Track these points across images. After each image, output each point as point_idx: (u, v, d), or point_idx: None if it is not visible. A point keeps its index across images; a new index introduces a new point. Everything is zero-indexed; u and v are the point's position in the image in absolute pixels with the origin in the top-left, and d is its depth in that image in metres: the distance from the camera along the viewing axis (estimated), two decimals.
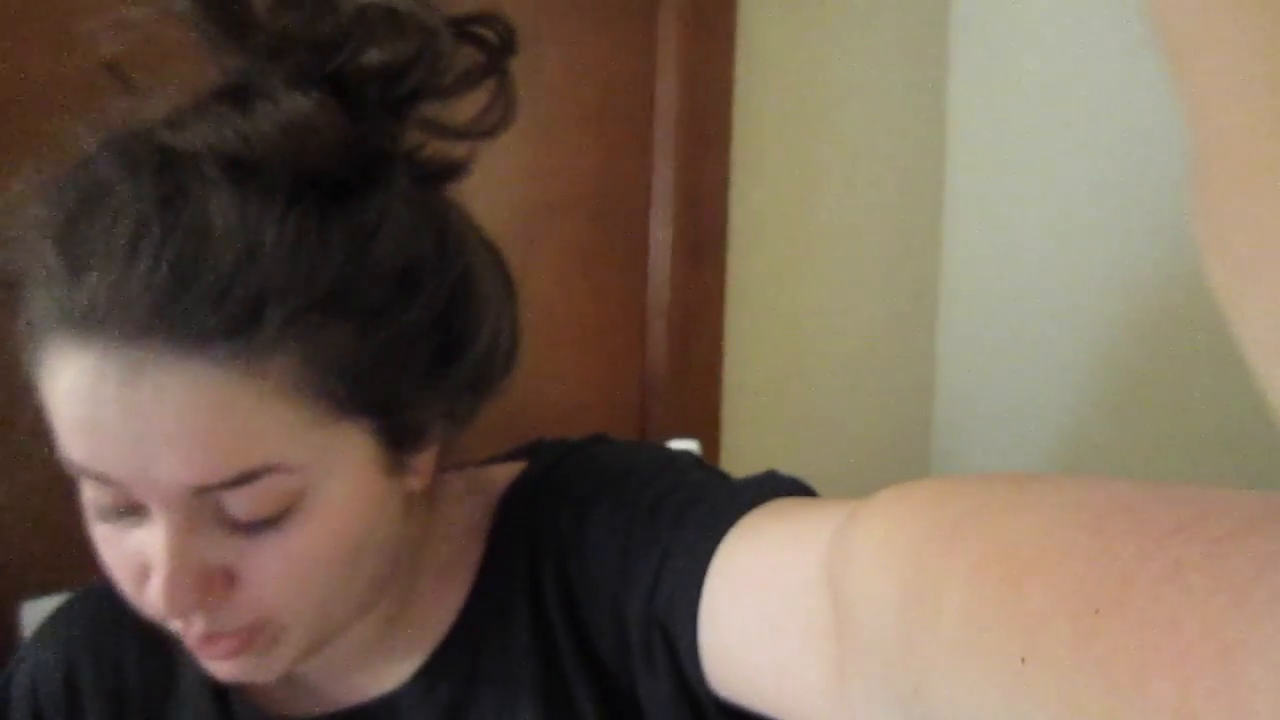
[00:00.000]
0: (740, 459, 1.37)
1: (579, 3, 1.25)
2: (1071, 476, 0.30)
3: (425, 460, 0.50)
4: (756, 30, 1.35)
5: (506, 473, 0.56)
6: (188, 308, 0.40)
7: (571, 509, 0.52)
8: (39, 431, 0.98)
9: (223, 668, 0.47)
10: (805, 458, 1.43)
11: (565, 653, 0.51)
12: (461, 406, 0.50)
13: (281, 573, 0.44)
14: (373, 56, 0.42)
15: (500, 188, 1.18)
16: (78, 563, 0.98)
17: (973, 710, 0.27)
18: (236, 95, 0.42)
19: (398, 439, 0.47)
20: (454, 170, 0.48)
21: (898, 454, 1.51)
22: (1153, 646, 0.22)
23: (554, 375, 1.26)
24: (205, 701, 0.55)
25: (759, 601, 0.40)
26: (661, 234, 1.30)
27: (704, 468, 0.54)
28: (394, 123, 0.45)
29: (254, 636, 0.46)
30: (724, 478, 0.51)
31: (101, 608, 0.58)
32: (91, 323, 0.40)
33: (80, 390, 0.41)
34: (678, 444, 1.21)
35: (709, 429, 1.34)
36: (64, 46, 1.02)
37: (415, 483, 0.50)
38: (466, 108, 0.48)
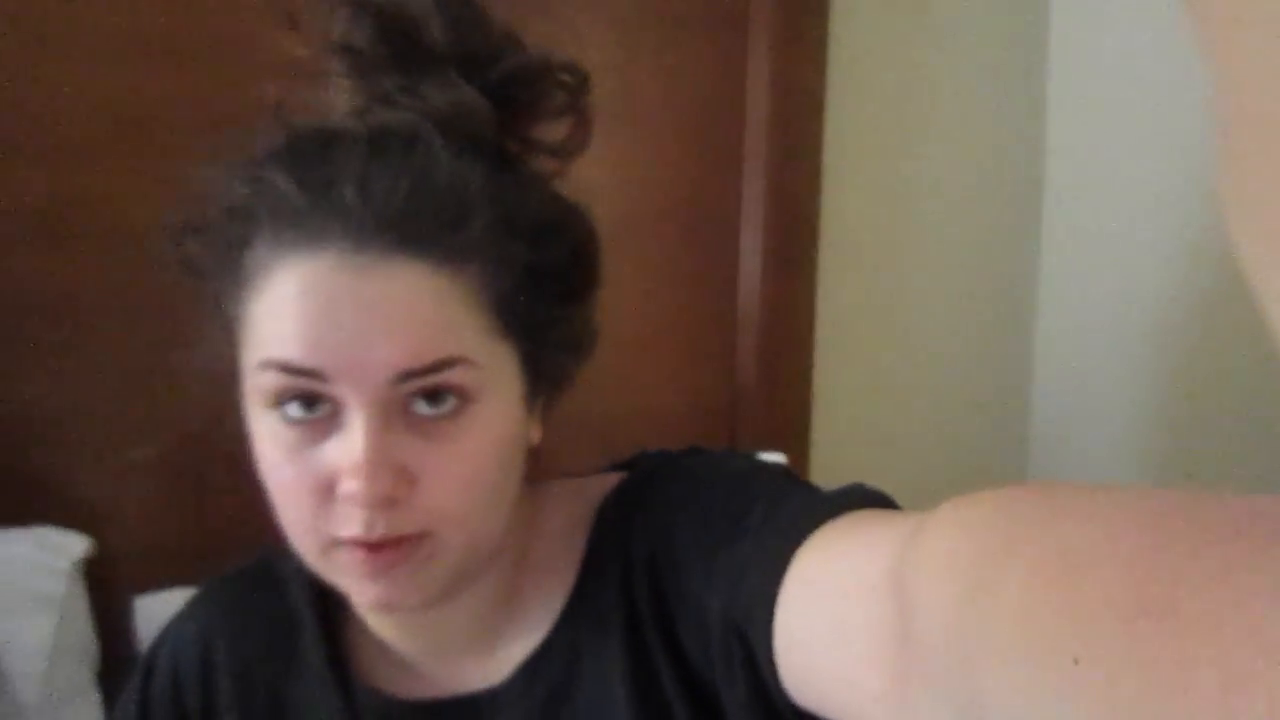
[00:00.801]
0: (830, 471, 1.35)
1: (670, 14, 1.26)
2: (1132, 486, 0.31)
3: (539, 412, 0.58)
4: (848, 38, 1.34)
5: (606, 482, 0.60)
6: (413, 213, 0.50)
7: (663, 517, 0.55)
8: (152, 429, 1.02)
9: (380, 588, 0.52)
10: (895, 469, 1.40)
11: (657, 657, 0.54)
12: (575, 360, 0.58)
13: (453, 472, 0.51)
14: (510, 64, 0.55)
15: (591, 198, 1.19)
16: (188, 560, 1.01)
17: (1026, 712, 0.27)
18: (409, 90, 0.53)
19: (531, 373, 0.55)
20: (553, 176, 0.59)
21: (992, 466, 1.48)
22: (1197, 646, 0.23)
23: (644, 385, 1.27)
24: (326, 682, 0.60)
25: (828, 608, 0.42)
26: (751, 244, 1.29)
27: (791, 478, 0.56)
28: (520, 122, 0.56)
29: (416, 548, 0.51)
30: (809, 488, 0.53)
31: (236, 593, 0.64)
32: (329, 234, 0.49)
33: (312, 288, 0.49)
34: (766, 457, 1.20)
35: (798, 440, 1.33)
36: (188, 65, 1.07)
37: (535, 433, 0.58)
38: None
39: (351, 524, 0.50)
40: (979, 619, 0.30)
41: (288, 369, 0.49)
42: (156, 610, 0.97)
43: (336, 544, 0.51)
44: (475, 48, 0.54)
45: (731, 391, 1.31)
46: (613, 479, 0.61)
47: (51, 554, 0.92)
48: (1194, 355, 1.28)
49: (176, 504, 1.05)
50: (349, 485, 0.49)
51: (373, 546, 0.50)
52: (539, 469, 0.60)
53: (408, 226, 0.49)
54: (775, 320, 1.30)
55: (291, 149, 0.53)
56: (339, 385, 0.49)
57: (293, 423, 0.51)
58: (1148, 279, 1.34)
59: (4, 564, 0.90)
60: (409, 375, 0.49)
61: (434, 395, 0.50)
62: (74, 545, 0.94)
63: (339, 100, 0.55)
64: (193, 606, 0.66)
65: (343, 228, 0.49)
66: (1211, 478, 1.26)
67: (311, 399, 0.50)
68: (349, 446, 0.50)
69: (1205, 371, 1.27)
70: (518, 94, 0.55)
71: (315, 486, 0.51)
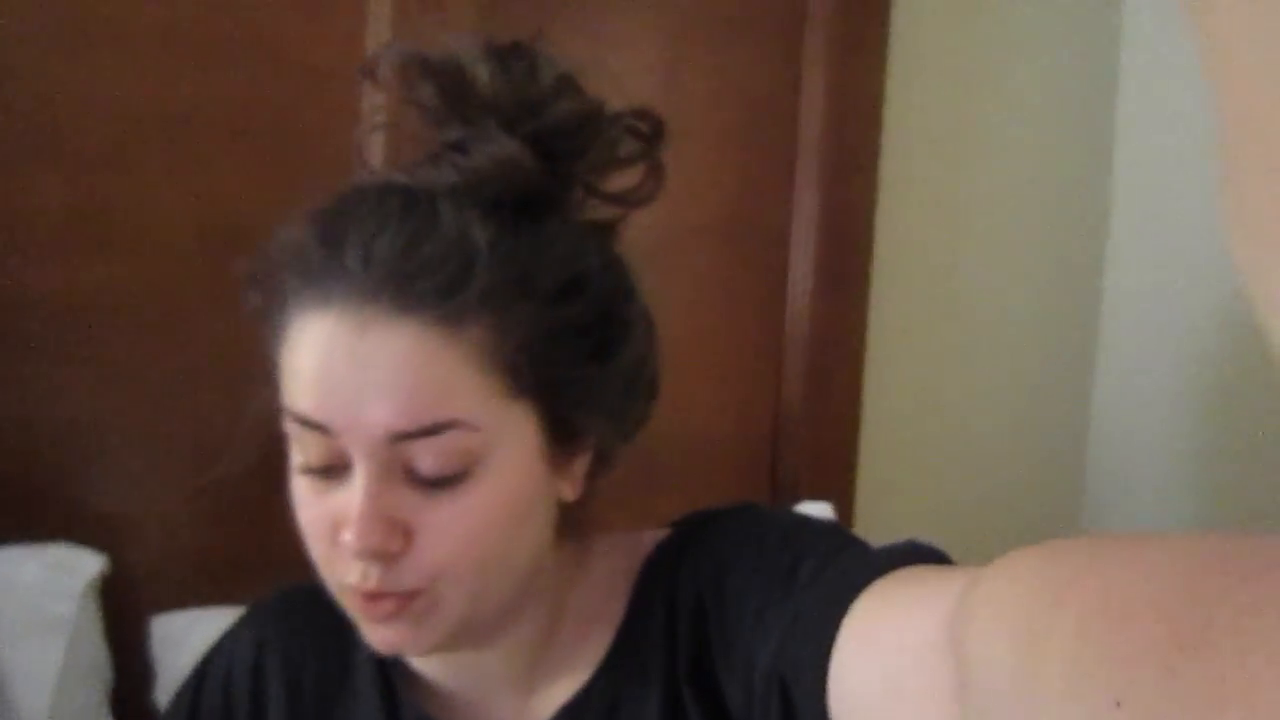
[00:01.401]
0: (876, 499, 1.30)
1: (721, 14, 1.21)
2: (1181, 533, 0.31)
3: (577, 468, 0.58)
4: (909, 46, 1.28)
5: (654, 536, 0.62)
6: (409, 275, 0.51)
7: (712, 570, 0.56)
8: (190, 450, 0.99)
9: (382, 633, 0.54)
10: (940, 508, 1.34)
11: (693, 712, 0.55)
12: (610, 419, 0.58)
13: (452, 531, 0.52)
14: (559, 112, 0.55)
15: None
16: (208, 580, 0.98)
17: None
18: (459, 146, 0.55)
19: (556, 432, 0.55)
20: (610, 225, 0.60)
21: (1045, 494, 1.42)
22: (1226, 679, 0.23)
23: (686, 406, 1.21)
24: (375, 704, 0.62)
25: (883, 662, 0.42)
26: (802, 260, 1.24)
27: (842, 533, 0.56)
28: (572, 172, 0.57)
29: (414, 600, 0.53)
30: (861, 544, 0.54)
31: (294, 607, 0.66)
32: (334, 290, 0.51)
33: (319, 344, 0.52)
34: (807, 505, 1.16)
35: (844, 469, 1.28)
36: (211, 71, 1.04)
37: (567, 490, 0.57)
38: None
39: (351, 572, 0.53)
40: (1031, 670, 0.31)
41: (301, 421, 0.52)
42: (173, 630, 0.95)
43: (344, 588, 0.54)
44: (526, 94, 0.55)
45: (776, 411, 1.26)
46: (660, 533, 0.62)
47: (64, 574, 0.89)
48: (1256, 389, 1.22)
49: (195, 524, 1.02)
50: (345, 536, 0.52)
51: (369, 595, 0.53)
52: (586, 519, 0.60)
53: (403, 288, 0.51)
54: (824, 341, 1.25)
55: (325, 205, 0.56)
56: (344, 439, 0.52)
57: (312, 469, 0.53)
58: (1218, 309, 1.28)
59: (14, 585, 0.87)
60: (403, 436, 0.51)
61: (435, 454, 0.52)
62: (88, 565, 0.91)
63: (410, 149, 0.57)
64: (251, 616, 0.68)
65: (345, 287, 0.51)
66: (1268, 521, 1.21)
67: (327, 451, 0.53)
68: (350, 498, 0.52)
69: (1265, 407, 1.21)
70: (567, 142, 0.56)
71: (328, 530, 0.53)
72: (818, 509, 1.16)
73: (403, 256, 0.51)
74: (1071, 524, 1.42)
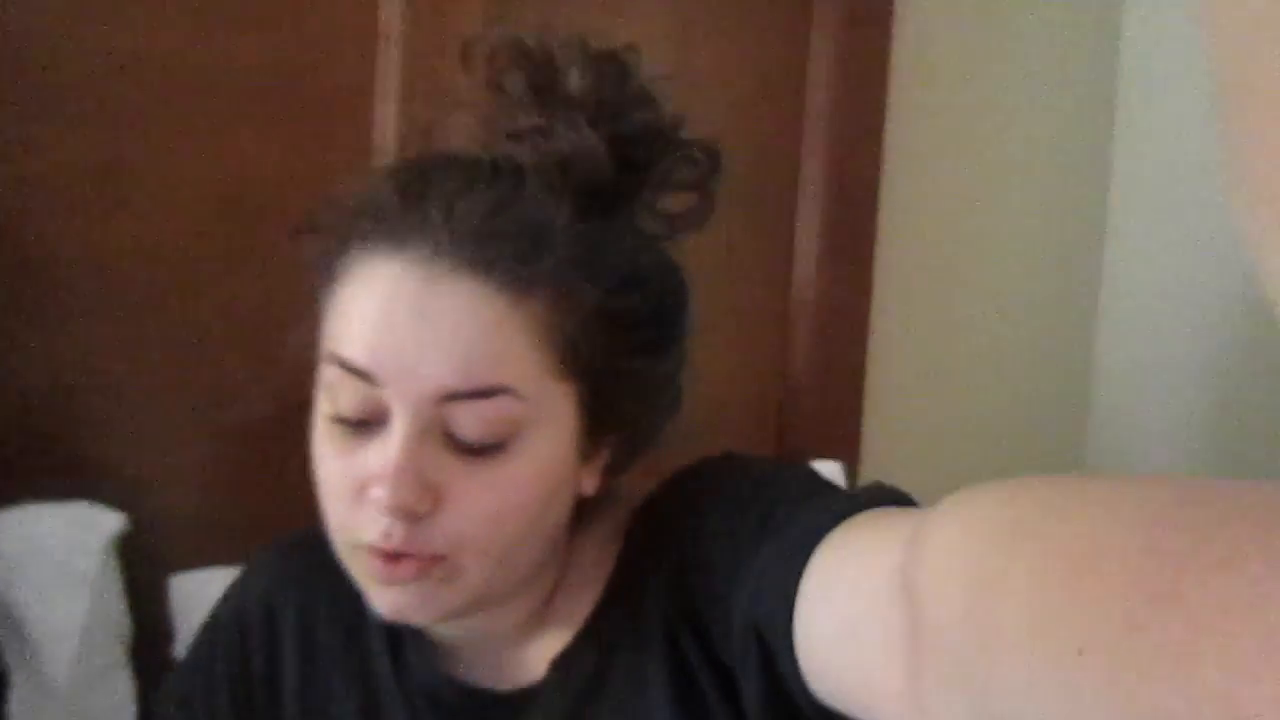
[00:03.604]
0: (879, 469, 1.31)
1: None
2: (1137, 476, 0.31)
3: (599, 462, 0.58)
4: (916, 18, 1.29)
5: (642, 490, 0.62)
6: (489, 235, 0.52)
7: (690, 522, 0.57)
8: (212, 409, 1.00)
9: (391, 596, 0.53)
10: (947, 471, 1.35)
11: (693, 655, 0.55)
12: (642, 417, 0.59)
13: (482, 502, 0.52)
14: (639, 121, 0.57)
15: None
16: (228, 539, 1.00)
17: (1036, 704, 0.28)
18: (542, 131, 0.56)
19: (594, 419, 0.55)
20: (660, 239, 0.61)
21: (1049, 462, 1.43)
22: (1201, 634, 0.23)
23: (695, 371, 1.23)
24: (383, 651, 0.63)
25: (841, 607, 0.44)
26: (808, 231, 1.25)
27: (815, 479, 0.57)
28: (636, 179, 0.58)
29: (432, 567, 0.52)
30: (830, 489, 0.55)
31: (307, 552, 0.65)
32: (409, 238, 0.51)
33: (382, 289, 0.51)
34: (818, 464, 1.17)
35: (849, 436, 1.29)
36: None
37: (587, 483, 0.58)
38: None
39: (373, 529, 0.52)
40: (986, 614, 0.30)
41: (345, 366, 0.52)
42: (192, 589, 0.96)
43: (359, 546, 0.53)
44: (610, 99, 0.56)
45: (783, 380, 1.28)
46: (648, 487, 0.62)
47: (85, 531, 0.91)
48: (1260, 349, 1.24)
49: (215, 484, 1.04)
50: (375, 490, 0.51)
51: (389, 556, 0.52)
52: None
53: (479, 247, 0.51)
54: (830, 308, 1.26)
55: (406, 165, 0.57)
56: (388, 390, 0.51)
57: (344, 421, 0.53)
58: (1218, 272, 1.29)
59: (37, 541, 0.89)
60: (454, 395, 0.51)
61: (479, 419, 0.51)
62: (108, 522, 0.93)
63: (477, 127, 0.58)
64: (262, 561, 0.68)
65: (420, 237, 0.51)
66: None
67: (365, 402, 0.52)
68: (385, 452, 0.51)
69: (1271, 366, 1.22)
70: (642, 152, 0.57)
71: (352, 486, 0.53)
72: (828, 468, 1.18)
73: (486, 217, 0.52)
74: None
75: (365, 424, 0.52)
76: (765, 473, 0.58)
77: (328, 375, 0.53)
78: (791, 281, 1.26)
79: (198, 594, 0.96)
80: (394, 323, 0.51)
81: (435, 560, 0.52)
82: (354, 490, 0.52)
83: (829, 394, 1.28)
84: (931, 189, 1.34)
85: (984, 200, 1.38)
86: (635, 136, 0.56)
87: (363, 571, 0.54)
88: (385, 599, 0.54)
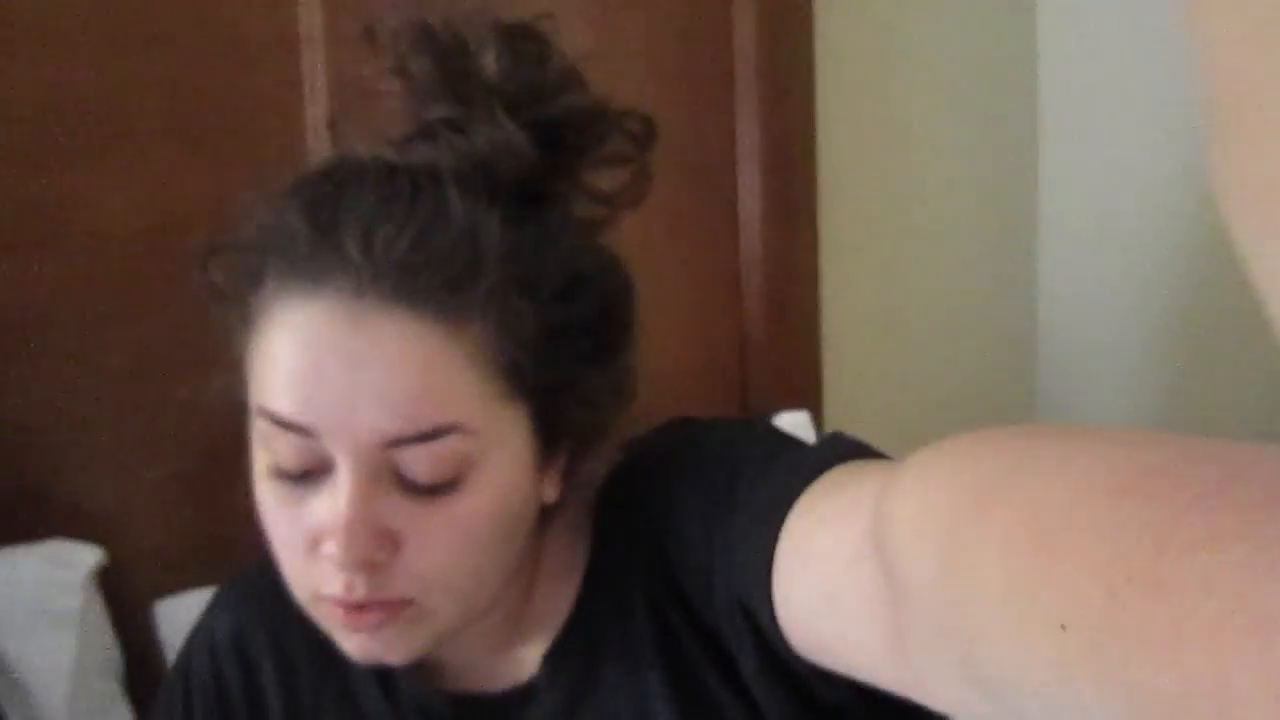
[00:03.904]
0: (842, 418, 1.33)
1: None
2: (1106, 432, 0.30)
3: (557, 469, 0.55)
4: None
5: (603, 466, 0.60)
6: (416, 267, 0.47)
7: (660, 496, 0.55)
8: (173, 431, 0.99)
9: (361, 643, 0.51)
10: (907, 414, 1.38)
11: (682, 630, 0.54)
12: (598, 420, 0.56)
13: (442, 541, 0.50)
14: (565, 104, 0.52)
15: None
16: (208, 560, 1.00)
17: (1024, 673, 0.28)
18: (454, 125, 0.51)
19: (548, 434, 0.53)
20: (600, 224, 0.57)
21: (1001, 404, 1.46)
22: (1186, 615, 0.22)
23: (652, 341, 1.24)
24: (371, 673, 0.60)
25: (819, 577, 0.43)
26: (750, 188, 1.26)
27: (774, 436, 0.56)
28: (567, 167, 0.54)
29: (400, 611, 0.50)
30: (792, 448, 0.53)
31: (264, 589, 0.62)
32: (326, 277, 0.47)
33: (304, 336, 0.47)
34: (786, 416, 1.18)
35: (811, 384, 1.31)
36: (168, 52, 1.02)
37: (549, 491, 0.55)
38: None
39: (333, 583, 0.49)
40: (962, 590, 0.30)
41: (277, 421, 0.48)
42: (179, 614, 0.96)
43: (321, 598, 0.51)
44: (531, 83, 0.52)
45: (740, 341, 1.29)
46: (610, 460, 0.60)
47: (63, 568, 0.90)
48: (1199, 287, 1.27)
49: (188, 506, 1.03)
50: (329, 546, 0.48)
51: (352, 607, 0.50)
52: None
53: (406, 279, 0.47)
54: (779, 267, 1.27)
55: (312, 182, 0.51)
56: (327, 442, 0.48)
57: (285, 475, 0.49)
58: (1150, 209, 1.32)
59: (16, 584, 0.88)
60: (397, 442, 0.47)
61: (428, 460, 0.48)
62: (86, 557, 0.92)
63: (392, 121, 0.54)
64: (224, 598, 0.65)
65: (341, 273, 0.47)
66: (1218, 414, 1.26)
67: (305, 454, 0.49)
68: (333, 505, 0.48)
69: (1212, 305, 1.25)
70: (571, 136, 0.53)
71: (304, 539, 0.50)
72: (796, 419, 1.19)
73: (410, 246, 0.47)
74: (1028, 419, 1.48)
75: (309, 474, 0.49)
76: (724, 436, 0.56)
77: (261, 428, 0.49)
78: (739, 242, 1.27)
79: (185, 618, 0.95)
80: (323, 372, 0.47)
81: (403, 604, 0.50)
82: (307, 544, 0.50)
83: (787, 348, 1.29)
84: (868, 139, 1.35)
85: (920, 146, 1.40)
86: (563, 120, 0.52)
87: (328, 621, 0.52)
88: (354, 644, 0.51)
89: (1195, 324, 1.30)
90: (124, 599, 0.97)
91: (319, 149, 1.03)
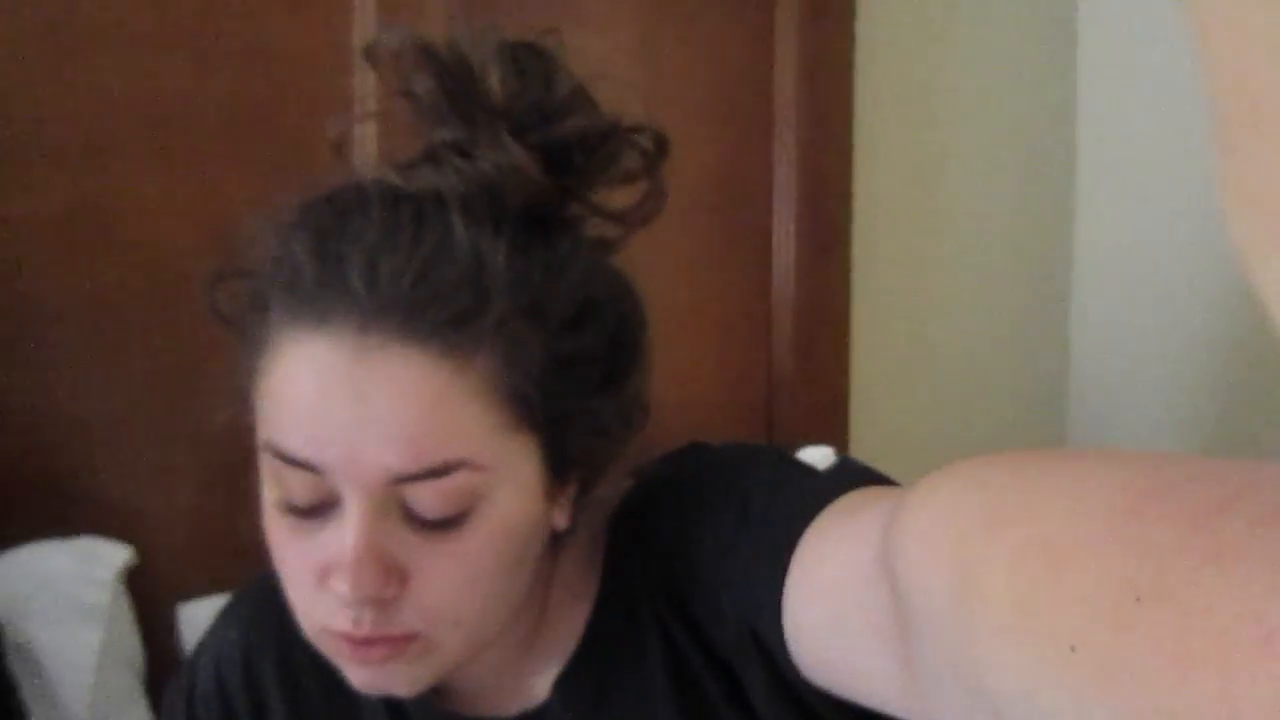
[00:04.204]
0: (868, 456, 1.33)
1: None
2: (1112, 453, 0.30)
3: (568, 496, 0.55)
4: (876, 13, 1.31)
5: (615, 491, 0.60)
6: (421, 301, 0.46)
7: (671, 522, 0.55)
8: (187, 433, 1.02)
9: (368, 675, 0.51)
10: (935, 453, 1.38)
11: (693, 655, 0.54)
12: (609, 447, 0.55)
13: (451, 575, 0.49)
14: (573, 125, 0.51)
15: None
16: (233, 566, 1.01)
17: (1033, 695, 0.27)
18: (459, 149, 0.50)
19: (557, 463, 0.52)
20: (612, 243, 0.56)
21: (1031, 445, 1.44)
22: (1193, 634, 0.22)
23: (679, 375, 1.25)
24: (379, 698, 0.59)
25: (829, 600, 0.43)
26: (784, 227, 1.27)
27: (786, 463, 0.56)
28: (578, 188, 0.53)
29: (408, 644, 0.50)
30: (802, 475, 0.53)
31: (275, 598, 0.61)
32: (331, 311, 0.47)
33: (309, 372, 0.47)
34: (811, 450, 1.19)
35: (838, 425, 1.31)
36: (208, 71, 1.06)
37: (560, 518, 0.55)
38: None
39: (340, 618, 0.49)
40: (971, 611, 0.30)
41: (285, 458, 0.48)
42: (202, 616, 0.97)
43: (328, 631, 0.50)
44: (537, 103, 0.51)
45: (768, 375, 1.30)
46: (620, 487, 0.60)
47: (94, 565, 0.92)
48: (1235, 331, 1.26)
49: (216, 508, 1.05)
50: (337, 582, 0.48)
51: (359, 641, 0.49)
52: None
53: (412, 315, 0.46)
54: (811, 302, 1.28)
55: (317, 210, 0.50)
56: (334, 478, 0.47)
57: (293, 509, 0.49)
58: (1186, 254, 1.31)
59: (47, 576, 0.90)
60: (404, 479, 0.47)
61: (436, 495, 0.48)
62: (116, 555, 0.94)
63: (403, 144, 0.53)
64: (233, 613, 0.65)
65: (346, 309, 0.46)
66: (1250, 447, 1.24)
67: (313, 490, 0.48)
68: (341, 540, 0.48)
69: (1247, 348, 1.24)
70: (580, 157, 0.52)
71: (313, 573, 0.49)
72: (820, 454, 1.19)
73: (416, 280, 0.46)
74: None
75: (318, 508, 0.49)
76: (736, 462, 0.56)
77: (269, 463, 0.49)
78: (771, 280, 1.28)
79: (206, 622, 0.97)
80: (329, 409, 0.46)
81: (410, 638, 0.49)
82: (315, 578, 0.49)
83: (815, 389, 1.30)
84: (903, 180, 1.36)
85: (955, 188, 1.40)
86: (571, 141, 0.51)
87: (334, 653, 0.51)
88: (361, 677, 0.51)
89: (1229, 363, 1.29)
90: (149, 598, 0.98)
91: (366, 165, 1.05)
